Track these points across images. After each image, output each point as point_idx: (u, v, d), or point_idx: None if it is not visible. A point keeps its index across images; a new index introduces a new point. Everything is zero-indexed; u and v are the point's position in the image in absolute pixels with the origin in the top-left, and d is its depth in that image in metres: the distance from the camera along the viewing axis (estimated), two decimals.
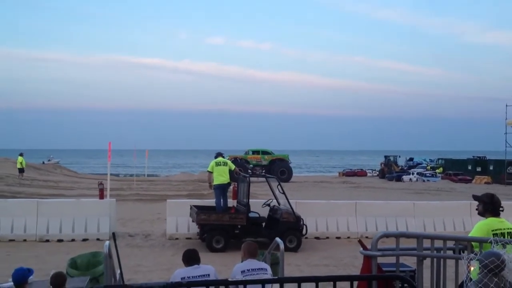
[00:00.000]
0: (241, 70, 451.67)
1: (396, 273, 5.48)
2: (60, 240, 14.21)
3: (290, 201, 14.13)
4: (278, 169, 42.20)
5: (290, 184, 38.14)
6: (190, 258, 5.85)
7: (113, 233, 6.92)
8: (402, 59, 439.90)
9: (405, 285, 4.78)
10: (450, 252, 5.70)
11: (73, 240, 14.25)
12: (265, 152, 46.30)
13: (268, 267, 6.17)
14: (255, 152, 46.41)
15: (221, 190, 14.15)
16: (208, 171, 14.68)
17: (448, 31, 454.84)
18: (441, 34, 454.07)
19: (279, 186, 14.32)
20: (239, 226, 13.77)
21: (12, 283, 5.98)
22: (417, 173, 54.90)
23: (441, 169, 63.11)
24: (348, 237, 15.42)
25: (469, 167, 58.81)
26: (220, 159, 14.33)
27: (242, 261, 6.07)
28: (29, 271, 6.14)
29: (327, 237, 15.49)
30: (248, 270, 5.85)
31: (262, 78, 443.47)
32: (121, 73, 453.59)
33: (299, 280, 3.98)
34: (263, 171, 40.82)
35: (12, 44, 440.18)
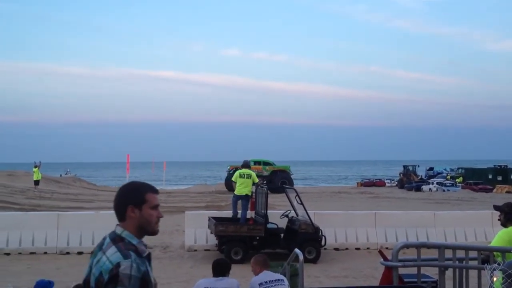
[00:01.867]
0: (256, 82, 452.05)
1: (417, 283, 5.42)
2: (80, 253, 14.31)
3: (308, 212, 14.08)
4: (279, 180, 41.96)
5: (308, 194, 37.99)
6: (215, 269, 5.85)
7: None
8: (417, 68, 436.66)
9: None
10: (472, 262, 5.63)
11: (93, 252, 14.31)
12: (266, 163, 46.24)
13: (284, 278, 6.16)
14: (256, 162, 46.27)
15: (237, 199, 14.38)
16: (232, 180, 14.84)
17: (463, 39, 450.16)
18: (456, 43, 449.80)
19: (297, 197, 14.29)
20: (257, 237, 13.74)
21: None
22: (437, 183, 54.33)
23: (461, 178, 62.36)
24: (368, 248, 15.29)
25: (490, 176, 58.10)
26: (244, 170, 14.45)
27: (255, 274, 6.06)
28: (50, 283, 6.20)
29: (346, 248, 15.37)
30: (266, 282, 5.83)
31: (277, 89, 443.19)
32: (136, 86, 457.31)
33: None
34: (264, 181, 40.75)
35: (27, 58, 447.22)
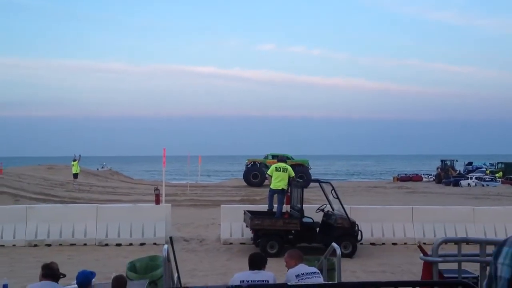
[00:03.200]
0: (292, 76, 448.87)
1: (459, 279, 5.32)
2: (118, 244, 14.58)
3: (344, 206, 13.98)
4: (296, 174, 41.69)
5: (343, 189, 37.74)
6: (252, 263, 5.93)
7: (171, 237, 7.02)
8: (455, 61, 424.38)
9: None
10: None
11: (130, 244, 14.59)
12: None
13: (319, 271, 6.21)
14: (274, 156, 46.23)
15: (273, 194, 14.31)
16: (268, 174, 14.88)
17: (503, 31, 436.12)
18: (496, 34, 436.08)
19: (333, 191, 14.20)
20: (293, 231, 13.73)
21: (76, 285, 6.18)
22: (476, 178, 53.12)
23: (501, 173, 60.79)
24: (405, 243, 15.10)
25: None
26: (280, 164, 14.44)
27: (289, 268, 6.11)
28: (92, 274, 6.33)
29: (383, 243, 15.22)
30: (302, 274, 5.90)
31: (313, 83, 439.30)
32: (172, 81, 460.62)
33: (359, 285, 3.93)
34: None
35: (74, 56, 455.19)
